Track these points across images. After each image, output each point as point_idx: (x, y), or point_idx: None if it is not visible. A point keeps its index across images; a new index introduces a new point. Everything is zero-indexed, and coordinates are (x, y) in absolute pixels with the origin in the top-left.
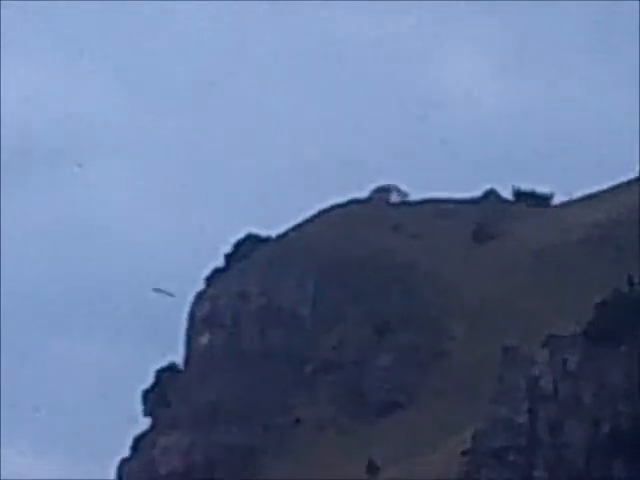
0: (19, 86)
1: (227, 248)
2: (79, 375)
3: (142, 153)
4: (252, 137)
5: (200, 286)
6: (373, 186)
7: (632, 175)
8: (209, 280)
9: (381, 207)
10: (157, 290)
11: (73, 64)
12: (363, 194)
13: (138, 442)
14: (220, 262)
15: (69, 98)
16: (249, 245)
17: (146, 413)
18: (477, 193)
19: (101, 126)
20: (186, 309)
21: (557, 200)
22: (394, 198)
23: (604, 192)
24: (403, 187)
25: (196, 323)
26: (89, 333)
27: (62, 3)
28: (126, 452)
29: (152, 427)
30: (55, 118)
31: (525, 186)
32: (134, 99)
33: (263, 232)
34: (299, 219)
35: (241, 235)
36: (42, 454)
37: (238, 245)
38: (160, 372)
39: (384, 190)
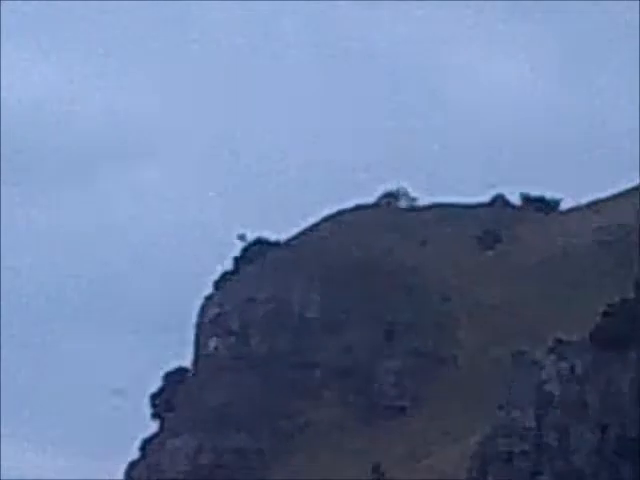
0: (52, 85)
1: (236, 252)
2: (88, 375)
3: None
4: (264, 139)
5: (209, 290)
6: (381, 190)
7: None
8: (217, 284)
9: (389, 212)
10: None
11: (103, 62)
12: (371, 199)
13: (146, 445)
14: (229, 266)
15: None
16: (258, 249)
17: (154, 416)
18: (485, 198)
19: (132, 128)
20: (195, 313)
21: (565, 205)
22: (402, 203)
23: (611, 198)
24: (411, 191)
25: (204, 327)
26: (100, 335)
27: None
28: (134, 454)
29: (160, 430)
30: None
31: (534, 192)
32: (166, 99)
33: (272, 236)
34: (307, 223)
35: (250, 239)
36: (48, 453)
37: (247, 249)
38: (168, 375)
39: (392, 195)
